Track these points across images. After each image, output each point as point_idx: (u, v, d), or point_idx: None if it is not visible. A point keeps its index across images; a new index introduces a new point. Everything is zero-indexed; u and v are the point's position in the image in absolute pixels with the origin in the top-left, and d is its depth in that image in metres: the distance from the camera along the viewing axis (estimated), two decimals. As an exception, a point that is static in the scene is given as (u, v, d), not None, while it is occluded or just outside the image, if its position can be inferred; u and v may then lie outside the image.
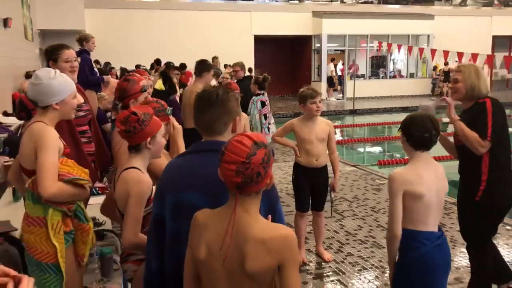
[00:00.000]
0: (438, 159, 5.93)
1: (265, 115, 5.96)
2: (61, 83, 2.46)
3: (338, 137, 12.09)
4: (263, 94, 5.99)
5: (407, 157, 2.66)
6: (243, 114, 4.93)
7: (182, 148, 2.88)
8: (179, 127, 2.92)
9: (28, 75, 10.13)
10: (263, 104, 5.95)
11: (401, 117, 13.73)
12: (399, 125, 2.59)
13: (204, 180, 1.75)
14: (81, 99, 3.49)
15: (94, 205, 4.14)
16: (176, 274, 1.78)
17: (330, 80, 19.95)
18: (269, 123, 6.06)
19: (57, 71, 2.51)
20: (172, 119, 2.90)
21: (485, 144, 3.09)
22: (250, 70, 14.08)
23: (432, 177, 2.46)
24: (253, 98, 5.89)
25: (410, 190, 2.40)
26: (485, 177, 3.17)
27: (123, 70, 12.32)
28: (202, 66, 5.53)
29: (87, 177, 2.52)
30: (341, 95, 20.00)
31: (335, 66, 20.26)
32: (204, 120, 1.82)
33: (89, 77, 6.40)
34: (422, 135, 2.43)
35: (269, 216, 1.69)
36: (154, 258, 1.91)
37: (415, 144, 2.48)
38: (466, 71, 3.25)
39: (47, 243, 2.36)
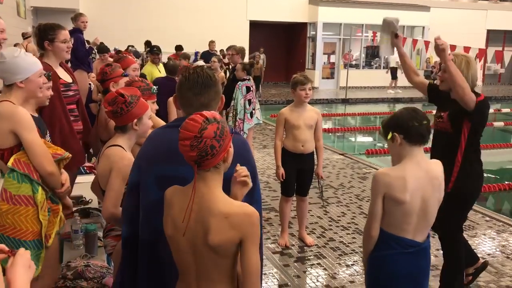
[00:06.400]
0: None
1: (249, 101, 5.93)
2: (25, 62, 2.45)
3: (329, 125, 12.15)
4: (248, 79, 5.97)
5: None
6: None
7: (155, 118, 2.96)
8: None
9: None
10: (248, 89, 5.94)
11: (392, 107, 13.55)
12: (385, 130, 2.36)
13: None
14: (69, 79, 3.54)
15: (82, 184, 4.21)
16: (152, 242, 1.86)
17: (393, 72, 18.87)
18: (254, 109, 6.02)
19: (22, 50, 2.51)
20: None
21: (473, 98, 3.01)
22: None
23: (420, 182, 2.28)
24: (238, 83, 5.85)
25: (390, 194, 2.26)
26: (457, 168, 3.16)
27: (118, 52, 12.19)
28: None
29: (63, 152, 2.54)
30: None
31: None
32: (201, 101, 1.88)
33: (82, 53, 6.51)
34: (417, 124, 2.25)
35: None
36: (126, 222, 2.00)
37: (410, 137, 2.27)
38: (457, 60, 3.15)
39: (33, 221, 2.37)
